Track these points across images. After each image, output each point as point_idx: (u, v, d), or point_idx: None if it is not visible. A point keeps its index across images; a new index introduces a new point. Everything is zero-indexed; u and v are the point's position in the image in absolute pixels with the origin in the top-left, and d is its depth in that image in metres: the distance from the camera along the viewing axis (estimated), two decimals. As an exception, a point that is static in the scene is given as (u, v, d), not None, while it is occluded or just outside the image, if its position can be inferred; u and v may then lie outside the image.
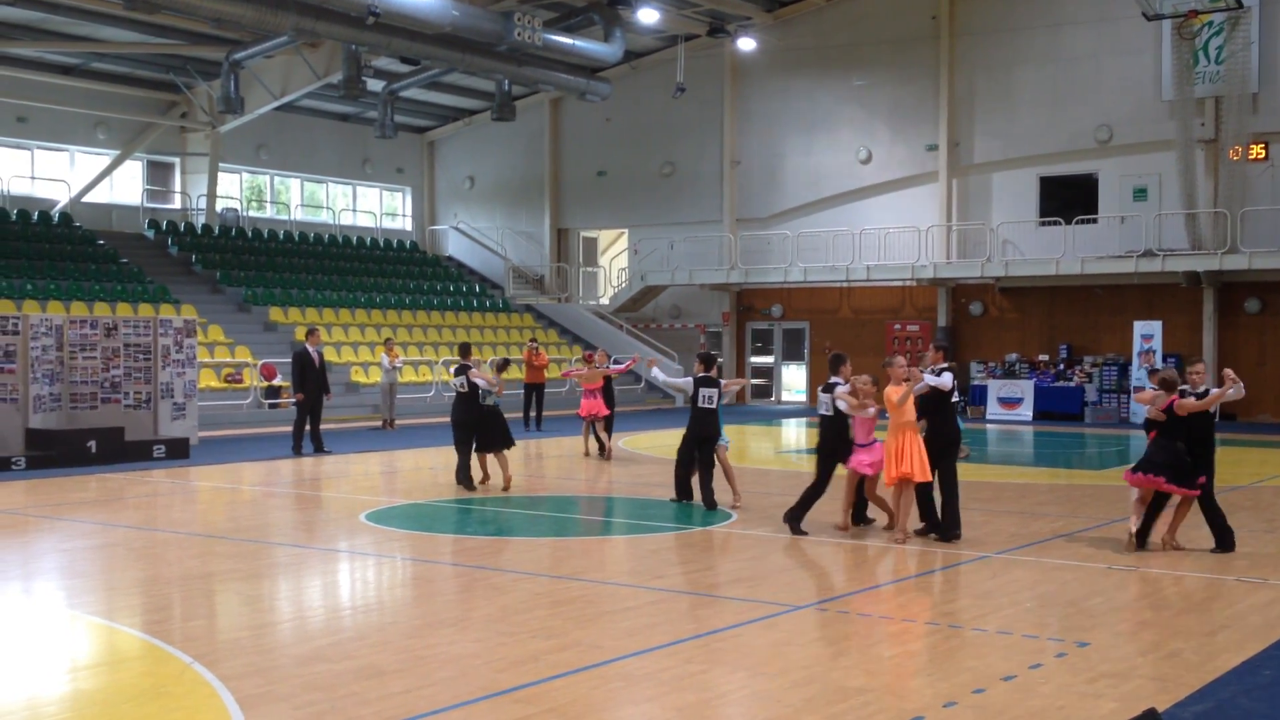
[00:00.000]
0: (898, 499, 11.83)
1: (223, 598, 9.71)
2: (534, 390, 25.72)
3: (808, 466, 19.55)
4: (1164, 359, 27.04)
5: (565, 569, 10.66)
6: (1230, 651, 7.80)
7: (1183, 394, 11.21)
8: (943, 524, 11.86)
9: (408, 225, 41.22)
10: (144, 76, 33.19)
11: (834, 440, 12.34)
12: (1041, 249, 30.79)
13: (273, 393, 26.46)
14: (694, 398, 14.07)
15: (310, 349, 20.82)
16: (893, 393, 11.63)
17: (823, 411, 12.44)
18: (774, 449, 23.47)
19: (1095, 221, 30.57)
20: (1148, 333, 28.49)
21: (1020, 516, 13.65)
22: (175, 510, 14.84)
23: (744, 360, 36.10)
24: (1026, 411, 29.89)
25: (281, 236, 35.85)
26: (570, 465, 19.50)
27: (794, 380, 35.87)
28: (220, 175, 34.75)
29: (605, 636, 8.20)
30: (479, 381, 15.79)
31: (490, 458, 16.11)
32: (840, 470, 12.45)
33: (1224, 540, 11.28)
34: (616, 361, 24.63)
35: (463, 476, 15.81)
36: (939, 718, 6.48)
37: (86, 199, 32.79)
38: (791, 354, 35.72)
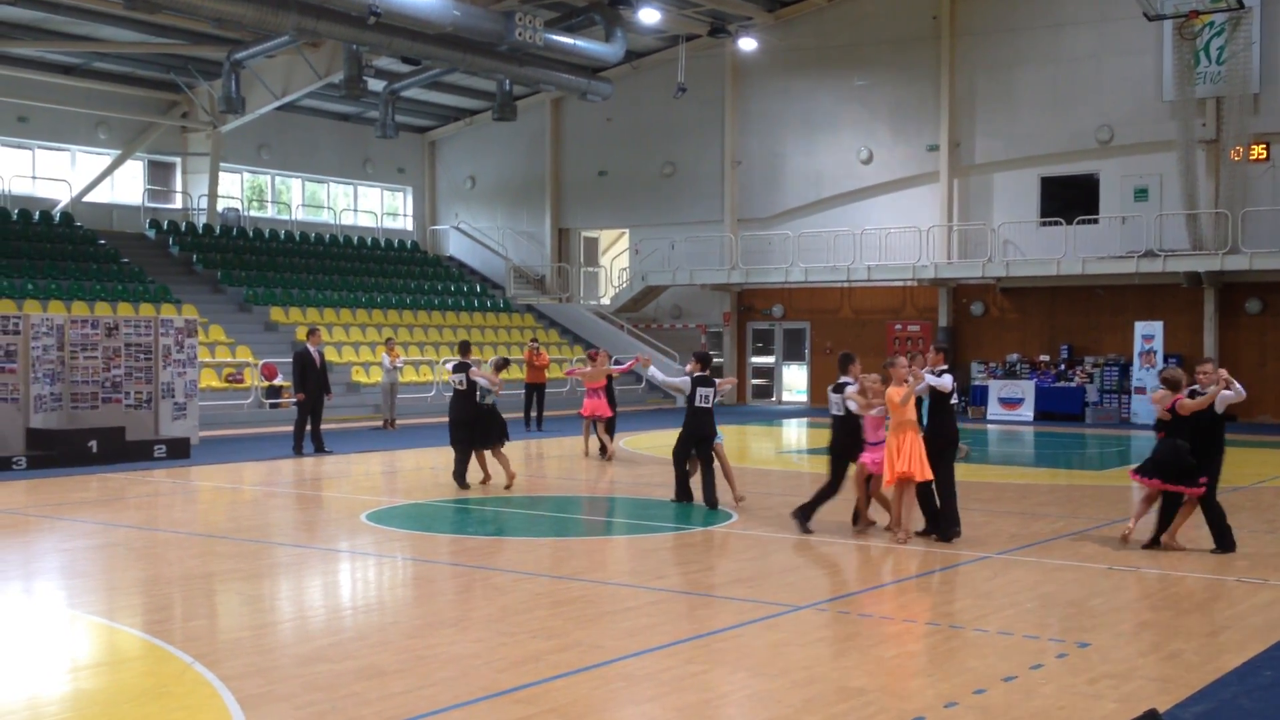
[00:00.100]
0: (898, 498, 11.85)
1: (223, 598, 9.71)
2: (535, 390, 25.76)
3: (808, 466, 19.63)
4: (1165, 360, 27.02)
5: (566, 569, 10.66)
6: (1231, 652, 7.79)
7: (1192, 394, 11.23)
8: (941, 523, 11.87)
9: (409, 225, 41.22)
10: (145, 76, 33.20)
11: (845, 440, 12.35)
12: (1042, 249, 30.78)
13: (273, 393, 26.47)
14: (691, 396, 14.09)
15: (311, 349, 20.82)
16: (894, 393, 11.65)
17: (834, 412, 12.44)
18: (775, 449, 23.46)
19: (1096, 222, 30.56)
20: (1149, 333, 28.46)
21: (1021, 517, 13.64)
22: (176, 510, 14.84)
23: (745, 360, 36.11)
24: (1027, 412, 29.89)
25: (283, 236, 35.85)
26: (571, 465, 19.50)
27: (795, 380, 35.85)
28: (221, 175, 34.75)
29: (606, 637, 8.20)
30: (479, 380, 15.80)
31: (491, 458, 16.12)
32: (851, 469, 12.46)
33: (1223, 541, 11.28)
34: (618, 362, 24.64)
35: (459, 475, 15.83)
36: (940, 718, 6.48)
37: (87, 199, 32.80)
38: (792, 354, 35.70)
